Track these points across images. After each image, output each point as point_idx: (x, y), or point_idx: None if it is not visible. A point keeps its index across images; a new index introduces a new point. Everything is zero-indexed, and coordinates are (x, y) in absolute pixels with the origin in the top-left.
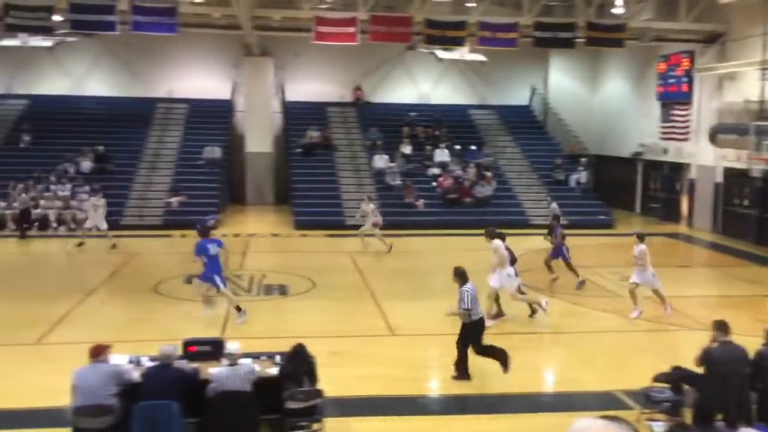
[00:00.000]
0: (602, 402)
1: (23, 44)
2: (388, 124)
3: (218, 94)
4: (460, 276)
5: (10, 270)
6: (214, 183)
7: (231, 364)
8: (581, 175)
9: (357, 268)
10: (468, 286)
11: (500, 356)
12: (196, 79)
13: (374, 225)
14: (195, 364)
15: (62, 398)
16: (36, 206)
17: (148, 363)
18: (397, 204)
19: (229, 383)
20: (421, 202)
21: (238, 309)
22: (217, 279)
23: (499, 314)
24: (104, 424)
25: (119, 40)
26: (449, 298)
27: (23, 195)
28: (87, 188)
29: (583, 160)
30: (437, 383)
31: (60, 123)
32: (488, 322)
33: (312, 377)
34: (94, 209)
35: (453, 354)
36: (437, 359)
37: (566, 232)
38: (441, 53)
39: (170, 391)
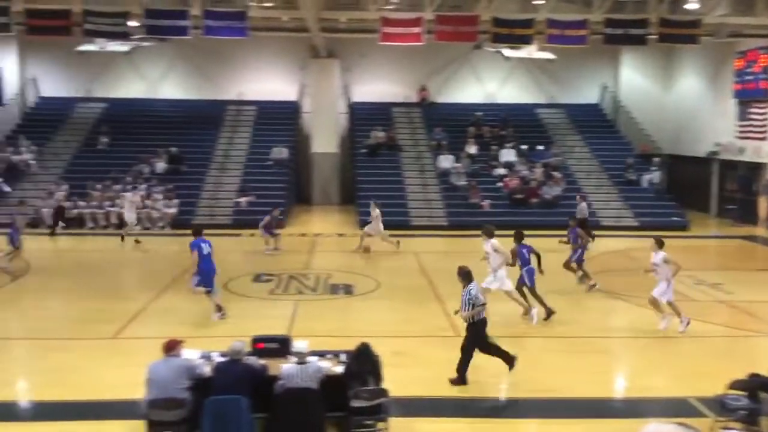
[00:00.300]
0: (675, 408)
1: (101, 49)
2: (453, 124)
3: (285, 95)
4: (465, 276)
5: (89, 267)
6: (282, 183)
7: (299, 362)
8: (654, 176)
9: (422, 268)
10: (473, 285)
11: (506, 357)
12: (265, 81)
13: (371, 232)
14: (263, 361)
15: (137, 391)
16: (104, 206)
17: (218, 358)
18: (462, 204)
19: (297, 381)
20: (486, 203)
21: (219, 309)
22: (195, 278)
23: (550, 312)
24: (176, 417)
25: (192, 45)
26: (514, 301)
27: (59, 193)
28: (161, 188)
29: (656, 159)
30: (504, 386)
31: (136, 125)
32: (533, 320)
33: (377, 376)
34: (130, 205)
35: (519, 356)
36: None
37: (634, 234)
38: (508, 52)
39: (239, 386)
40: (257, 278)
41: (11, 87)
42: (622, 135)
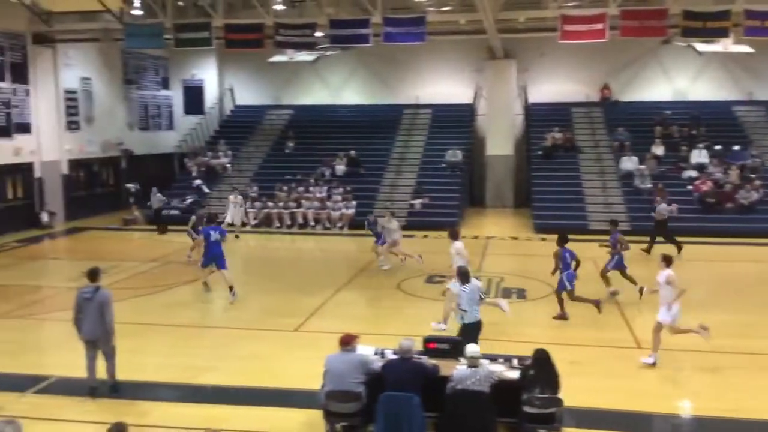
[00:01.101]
0: None
1: (290, 59)
2: (637, 124)
3: (460, 98)
4: (461, 276)
5: (274, 263)
6: (455, 186)
7: (471, 366)
8: None
9: (599, 275)
10: (466, 287)
11: None
12: (440, 84)
13: (393, 243)
14: (434, 361)
15: (316, 382)
16: (289, 206)
17: (391, 356)
18: (647, 208)
19: (468, 383)
20: (674, 207)
21: (231, 289)
22: (203, 259)
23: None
24: (351, 410)
25: (370, 52)
26: (699, 313)
27: (157, 196)
28: (341, 190)
29: None
30: (685, 402)
31: (319, 130)
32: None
33: (552, 385)
34: (234, 205)
35: (702, 372)
36: (685, 376)
37: None
38: (700, 46)
39: (410, 384)
40: (430, 279)
41: (211, 97)
42: None
